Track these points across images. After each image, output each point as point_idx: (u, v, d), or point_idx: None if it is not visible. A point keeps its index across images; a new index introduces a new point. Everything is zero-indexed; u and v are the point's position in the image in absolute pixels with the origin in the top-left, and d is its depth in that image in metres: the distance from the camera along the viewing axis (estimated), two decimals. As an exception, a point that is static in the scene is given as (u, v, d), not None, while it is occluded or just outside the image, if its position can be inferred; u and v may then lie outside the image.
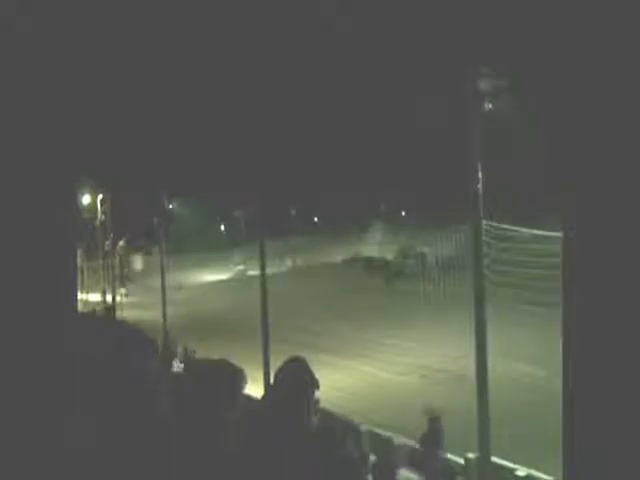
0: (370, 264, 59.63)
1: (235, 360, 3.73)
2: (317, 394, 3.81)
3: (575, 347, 2.21)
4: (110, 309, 37.65)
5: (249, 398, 4.05)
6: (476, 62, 13.80)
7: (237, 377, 3.64)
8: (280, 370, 3.68)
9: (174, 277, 46.96)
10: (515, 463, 13.76)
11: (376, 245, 66.19)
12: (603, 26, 2.24)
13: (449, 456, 14.43)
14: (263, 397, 4.16)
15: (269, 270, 20.96)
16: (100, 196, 47.28)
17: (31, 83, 2.45)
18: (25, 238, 2.42)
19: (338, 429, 4.59)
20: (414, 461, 10.80)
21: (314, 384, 3.63)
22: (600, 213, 2.18)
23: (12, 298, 2.40)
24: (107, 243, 48.78)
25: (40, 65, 2.47)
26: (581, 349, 2.20)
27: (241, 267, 66.47)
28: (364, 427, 14.71)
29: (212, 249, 76.12)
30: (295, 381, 3.59)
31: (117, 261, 55.35)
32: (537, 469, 13.73)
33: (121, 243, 60.81)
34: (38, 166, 2.48)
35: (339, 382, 24.42)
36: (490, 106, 13.78)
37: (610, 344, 2.15)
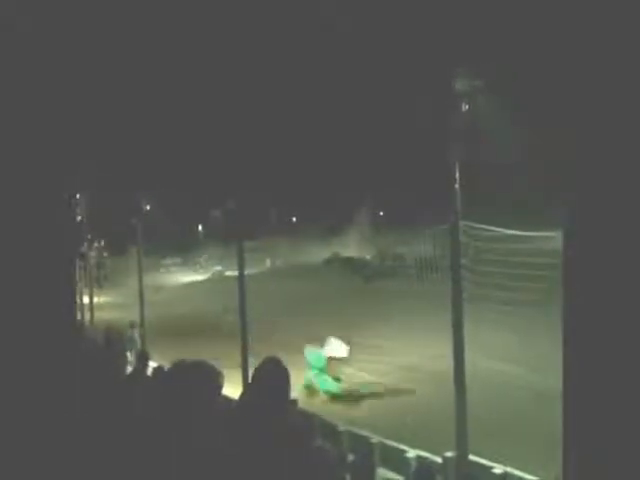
0: (349, 264, 59.74)
1: (214, 362, 3.72)
2: (293, 394, 3.81)
3: (575, 347, 2.21)
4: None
5: (227, 399, 4.04)
6: (460, 60, 13.83)
7: (215, 378, 3.63)
8: (257, 370, 3.67)
9: (151, 278, 46.75)
10: (491, 459, 13.84)
11: (355, 245, 66.30)
12: (602, 25, 2.24)
13: (427, 455, 14.49)
14: (241, 397, 4.15)
15: (247, 271, 20.90)
16: (77, 196, 46.94)
17: (30, 83, 2.44)
18: (27, 241, 2.41)
19: (316, 429, 4.59)
20: None
21: (290, 384, 3.64)
22: (600, 213, 2.18)
23: (13, 301, 2.39)
24: (84, 244, 48.46)
25: (39, 65, 2.46)
26: (581, 349, 2.19)
27: (219, 268, 66.27)
28: (342, 427, 14.73)
29: (189, 249, 75.89)
30: (271, 381, 3.58)
31: (94, 262, 55.00)
32: (514, 467, 13.82)
33: (97, 244, 60.36)
34: (37, 164, 2.47)
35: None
36: (467, 106, 13.82)
37: (610, 344, 2.14)
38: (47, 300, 2.51)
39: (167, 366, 4.12)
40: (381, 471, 13.28)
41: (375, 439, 15.57)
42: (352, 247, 66.00)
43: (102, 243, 65.07)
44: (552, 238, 24.16)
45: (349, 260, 61.68)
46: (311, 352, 25.36)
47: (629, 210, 2.20)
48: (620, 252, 2.20)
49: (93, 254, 55.29)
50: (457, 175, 13.52)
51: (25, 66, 2.44)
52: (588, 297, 2.22)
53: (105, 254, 68.40)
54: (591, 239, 2.24)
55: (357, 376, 26.62)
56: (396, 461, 14.34)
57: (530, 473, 13.30)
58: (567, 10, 2.35)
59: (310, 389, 23.98)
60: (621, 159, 2.23)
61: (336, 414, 16.62)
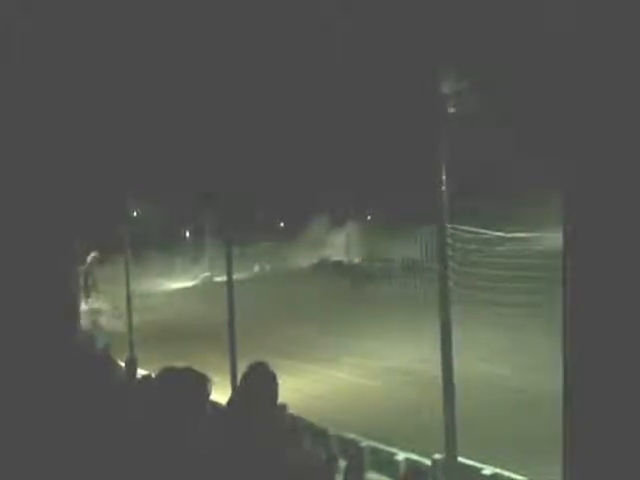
0: (338, 268, 59.76)
1: (202, 368, 3.73)
2: (284, 399, 3.82)
3: (575, 346, 2.22)
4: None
5: (215, 404, 4.05)
6: (448, 61, 13.85)
7: (203, 384, 3.64)
8: (244, 375, 3.68)
9: (140, 285, 46.61)
10: (482, 462, 13.88)
11: (343, 249, 66.35)
12: (601, 27, 2.26)
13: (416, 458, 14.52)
14: (228, 402, 4.16)
15: (236, 276, 20.90)
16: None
17: (30, 84, 2.45)
18: (28, 244, 2.42)
19: (306, 433, 4.60)
20: None
21: (278, 388, 3.65)
22: (600, 212, 2.19)
23: (14, 306, 2.40)
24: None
25: (38, 65, 2.47)
26: (581, 348, 2.20)
27: (207, 274, 66.14)
28: (332, 430, 14.73)
29: (177, 255, 75.69)
30: (259, 385, 3.59)
31: (81, 270, 54.70)
32: (504, 468, 13.87)
33: (93, 254, 59.83)
34: (38, 165, 2.48)
35: (305, 387, 24.38)
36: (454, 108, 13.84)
37: (610, 344, 2.15)
38: (48, 306, 2.54)
39: (155, 373, 4.13)
40: (371, 475, 13.30)
41: (364, 442, 15.59)
42: (340, 251, 66.05)
43: (91, 251, 64.67)
44: (539, 239, 24.28)
45: (337, 264, 61.72)
46: None
47: (628, 209, 2.21)
48: (619, 251, 2.22)
49: (86, 263, 54.93)
50: (444, 177, 13.56)
51: (24, 66, 2.46)
52: (588, 296, 2.23)
53: (92, 262, 68.02)
54: (590, 238, 2.26)
55: (345, 380, 26.64)
56: (385, 464, 14.37)
57: (520, 474, 13.36)
58: (561, 9, 2.38)
59: None
60: (619, 158, 2.24)
61: (326, 417, 16.58)
